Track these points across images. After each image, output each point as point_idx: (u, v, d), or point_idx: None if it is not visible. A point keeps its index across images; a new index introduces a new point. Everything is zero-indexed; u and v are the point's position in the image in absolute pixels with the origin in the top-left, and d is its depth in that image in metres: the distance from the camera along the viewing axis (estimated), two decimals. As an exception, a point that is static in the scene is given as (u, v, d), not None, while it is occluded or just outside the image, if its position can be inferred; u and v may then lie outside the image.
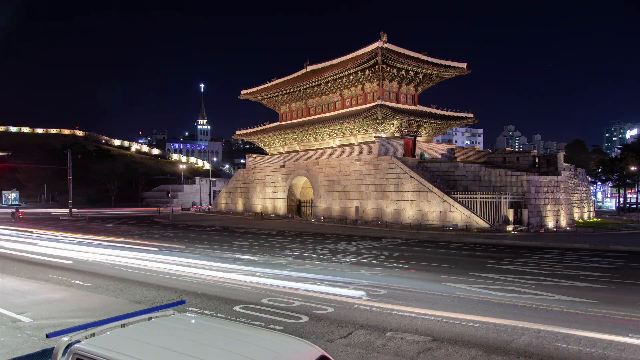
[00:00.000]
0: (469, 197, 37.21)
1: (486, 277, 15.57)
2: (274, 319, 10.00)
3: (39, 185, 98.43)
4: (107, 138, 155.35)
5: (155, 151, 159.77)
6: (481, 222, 35.15)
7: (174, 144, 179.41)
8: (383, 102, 45.90)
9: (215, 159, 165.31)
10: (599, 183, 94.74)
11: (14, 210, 51.68)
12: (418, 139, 47.77)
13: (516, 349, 8.23)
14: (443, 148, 52.21)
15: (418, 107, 51.31)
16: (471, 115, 53.22)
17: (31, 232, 33.89)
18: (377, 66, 46.23)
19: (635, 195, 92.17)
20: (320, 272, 16.27)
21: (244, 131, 65.48)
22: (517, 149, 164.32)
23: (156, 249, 23.21)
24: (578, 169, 52.55)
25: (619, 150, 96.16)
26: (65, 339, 3.79)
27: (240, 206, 63.27)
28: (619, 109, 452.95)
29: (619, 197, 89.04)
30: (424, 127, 50.11)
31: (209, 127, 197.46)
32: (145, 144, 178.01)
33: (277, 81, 62.79)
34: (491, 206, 35.97)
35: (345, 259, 20.03)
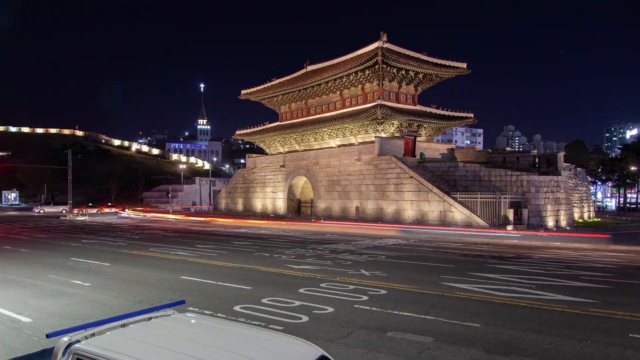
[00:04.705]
0: (469, 197, 37.20)
1: (487, 277, 15.57)
2: (274, 318, 9.99)
3: (39, 185, 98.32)
4: (107, 138, 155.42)
5: (155, 151, 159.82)
6: (481, 222, 35.14)
7: (174, 144, 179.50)
8: (383, 102, 45.91)
9: (215, 159, 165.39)
10: (599, 183, 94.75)
11: None
12: (418, 139, 47.77)
13: (517, 348, 8.22)
14: (443, 148, 52.20)
15: (418, 107, 51.31)
16: (471, 115, 53.23)
17: None
18: (377, 66, 46.22)
19: (635, 195, 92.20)
20: (321, 272, 16.26)
21: (244, 131, 65.48)
22: (517, 149, 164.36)
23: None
24: (578, 169, 52.53)
25: (619, 150, 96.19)
26: (65, 339, 3.78)
27: (240, 206, 63.26)
28: (619, 109, 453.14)
29: (619, 197, 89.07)
30: (424, 127, 50.10)
31: (209, 127, 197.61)
32: (145, 144, 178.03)
33: (277, 81, 62.79)
34: (491, 206, 35.97)
35: (346, 258, 20.03)
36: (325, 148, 51.66)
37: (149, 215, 57.29)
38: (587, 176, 60.65)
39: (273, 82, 63.07)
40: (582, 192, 50.59)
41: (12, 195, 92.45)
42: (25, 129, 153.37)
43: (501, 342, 8.55)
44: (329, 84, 52.60)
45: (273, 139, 60.44)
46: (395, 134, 47.29)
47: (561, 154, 41.96)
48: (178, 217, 53.97)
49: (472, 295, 12.59)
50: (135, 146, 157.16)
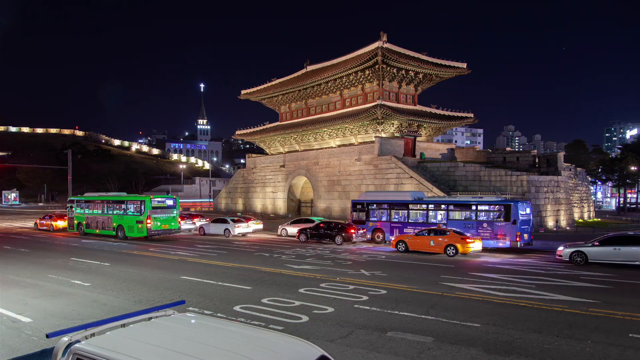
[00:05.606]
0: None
1: (487, 277, 15.56)
2: (274, 318, 9.99)
3: (39, 185, 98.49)
4: (107, 138, 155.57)
5: (155, 151, 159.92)
6: (481, 222, 35.11)
7: (174, 144, 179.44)
8: (383, 102, 45.89)
9: (215, 159, 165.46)
10: (599, 183, 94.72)
11: None
12: (418, 138, 47.76)
13: (517, 348, 8.22)
14: (443, 148, 52.19)
15: (418, 107, 51.29)
16: (471, 115, 53.22)
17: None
18: (377, 66, 46.21)
19: (635, 195, 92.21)
20: (321, 272, 16.26)
21: (244, 131, 65.47)
22: (517, 149, 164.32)
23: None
24: (578, 169, 52.53)
25: (619, 150, 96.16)
26: (65, 339, 3.78)
27: (240, 206, 63.24)
28: (619, 109, 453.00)
29: (619, 197, 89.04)
30: (424, 127, 50.09)
31: (209, 127, 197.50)
32: (145, 144, 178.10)
33: (277, 81, 62.78)
34: (491, 206, 35.91)
35: (346, 258, 20.03)
36: (325, 148, 51.65)
37: None
38: (587, 176, 60.64)
39: (273, 82, 63.05)
40: (582, 192, 50.58)
41: (12, 195, 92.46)
42: (25, 129, 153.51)
43: (501, 342, 8.55)
44: (329, 84, 52.58)
45: (273, 139, 60.43)
46: (395, 134, 47.28)
47: (561, 154, 41.95)
48: None
49: (472, 295, 12.59)
50: (135, 146, 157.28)
